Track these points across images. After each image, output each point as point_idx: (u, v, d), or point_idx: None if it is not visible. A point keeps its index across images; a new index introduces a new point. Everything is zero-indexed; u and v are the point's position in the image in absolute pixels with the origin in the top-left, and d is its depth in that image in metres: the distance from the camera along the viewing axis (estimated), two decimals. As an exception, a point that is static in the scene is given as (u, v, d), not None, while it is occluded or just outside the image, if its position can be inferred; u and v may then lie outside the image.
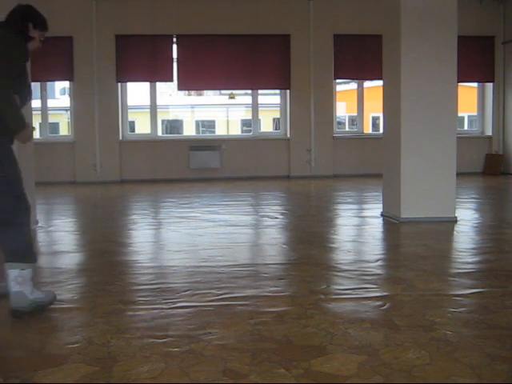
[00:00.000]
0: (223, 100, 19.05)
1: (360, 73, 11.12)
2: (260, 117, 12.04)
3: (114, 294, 3.40)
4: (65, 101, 13.99)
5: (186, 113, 21.15)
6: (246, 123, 16.28)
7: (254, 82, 10.98)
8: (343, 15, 10.79)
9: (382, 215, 6.21)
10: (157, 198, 8.46)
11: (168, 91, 16.79)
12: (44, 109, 10.66)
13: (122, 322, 2.93)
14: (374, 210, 6.52)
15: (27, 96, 3.22)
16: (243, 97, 16.29)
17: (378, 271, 3.95)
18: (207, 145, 10.83)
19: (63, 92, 17.87)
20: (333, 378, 2.22)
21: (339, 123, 15.48)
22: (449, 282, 3.63)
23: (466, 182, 9.35)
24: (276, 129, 13.50)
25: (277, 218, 6.34)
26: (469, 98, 12.78)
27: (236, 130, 18.93)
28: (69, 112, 11.06)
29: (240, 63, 10.79)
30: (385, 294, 3.35)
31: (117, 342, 2.61)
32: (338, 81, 11.56)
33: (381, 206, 6.35)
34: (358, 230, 5.83)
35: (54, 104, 14.95)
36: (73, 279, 3.83)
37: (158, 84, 11.32)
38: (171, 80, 10.84)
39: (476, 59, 11.05)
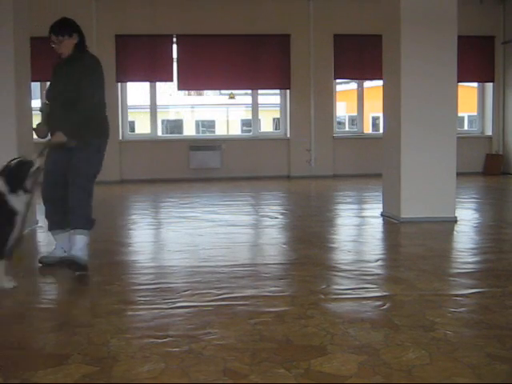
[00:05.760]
0: (223, 100, 19.03)
1: (360, 73, 11.12)
2: (260, 117, 12.04)
3: (114, 294, 3.40)
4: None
5: (186, 113, 21.14)
6: (246, 123, 16.27)
7: (254, 81, 10.98)
8: (343, 15, 10.78)
9: (381, 215, 6.21)
10: (157, 198, 8.46)
11: (168, 91, 16.78)
12: (44, 109, 10.65)
13: (122, 322, 2.93)
14: (374, 210, 6.52)
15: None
16: (243, 97, 16.28)
17: (378, 271, 3.95)
18: (207, 145, 10.83)
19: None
20: (333, 378, 2.22)
21: (339, 123, 15.47)
22: (449, 282, 3.63)
23: (466, 181, 9.34)
24: (276, 129, 13.50)
25: (277, 217, 6.34)
26: (469, 98, 12.77)
27: (236, 130, 18.92)
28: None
29: (240, 63, 10.79)
30: (385, 293, 3.35)
31: (117, 342, 2.60)
32: (338, 81, 11.56)
33: (381, 206, 6.35)
34: (358, 230, 5.83)
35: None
36: (73, 279, 3.83)
37: (158, 84, 11.32)
38: (171, 80, 10.84)
39: (476, 59, 11.05)
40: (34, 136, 4.27)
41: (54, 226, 4.17)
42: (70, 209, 3.94)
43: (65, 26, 4.09)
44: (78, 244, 3.90)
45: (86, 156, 3.95)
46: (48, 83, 4.28)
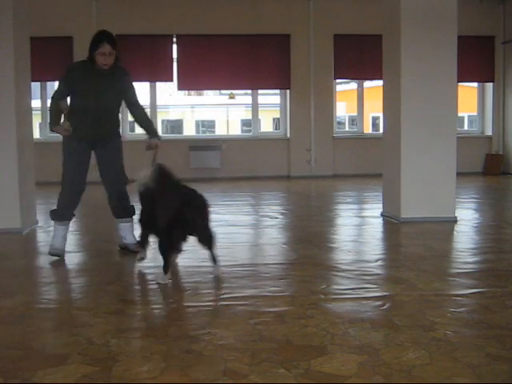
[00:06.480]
0: (223, 100, 19.05)
1: (360, 73, 11.12)
2: (260, 117, 12.04)
3: (113, 294, 3.40)
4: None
5: (186, 113, 21.15)
6: (246, 123, 16.28)
7: (254, 81, 10.98)
8: (343, 15, 10.79)
9: (381, 215, 6.21)
10: (157, 198, 8.44)
11: (168, 91, 16.79)
12: (44, 109, 10.66)
13: (122, 321, 2.93)
14: (374, 210, 6.52)
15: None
16: (243, 97, 16.29)
17: (378, 271, 3.95)
18: (207, 145, 10.83)
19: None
20: (333, 377, 2.22)
21: (339, 123, 15.48)
22: (449, 282, 3.63)
23: (466, 181, 9.34)
24: (276, 129, 13.51)
25: (277, 217, 6.34)
26: (469, 98, 12.78)
27: (236, 130, 18.93)
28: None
29: (240, 63, 10.79)
30: (385, 293, 3.35)
31: (117, 342, 2.60)
32: (338, 81, 11.56)
33: (381, 206, 6.35)
34: (358, 230, 5.83)
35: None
36: (73, 279, 3.83)
37: (158, 84, 11.32)
38: (171, 80, 10.84)
39: (476, 59, 11.05)
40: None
41: (69, 217, 4.55)
42: (121, 199, 4.65)
43: (115, 39, 4.28)
44: (132, 230, 4.66)
45: (120, 151, 4.67)
46: (54, 83, 4.64)
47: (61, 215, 4.50)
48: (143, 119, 4.64)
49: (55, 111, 4.37)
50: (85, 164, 4.45)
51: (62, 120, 4.39)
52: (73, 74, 4.35)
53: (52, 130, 4.43)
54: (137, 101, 4.58)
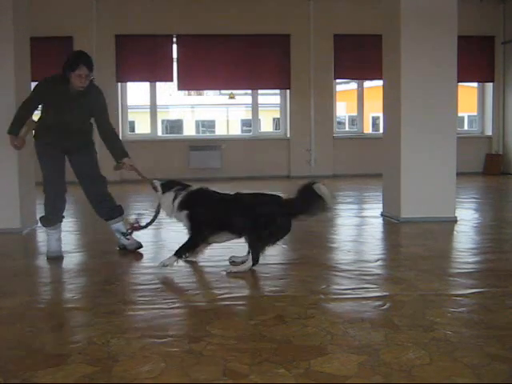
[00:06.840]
0: (223, 100, 19.05)
1: (360, 73, 11.13)
2: (260, 117, 12.05)
3: (113, 294, 3.40)
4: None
5: (186, 113, 21.13)
6: (246, 123, 16.28)
7: (254, 81, 10.98)
8: (343, 15, 10.79)
9: (381, 215, 6.21)
10: (157, 198, 8.43)
11: (168, 91, 16.78)
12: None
13: (122, 322, 2.93)
14: (374, 210, 6.52)
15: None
16: (243, 97, 16.29)
17: (378, 271, 3.95)
18: (207, 145, 10.83)
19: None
20: (333, 377, 2.22)
21: (339, 123, 15.48)
22: (449, 282, 3.63)
23: (466, 181, 9.34)
24: (276, 129, 13.50)
25: (277, 217, 6.33)
26: (469, 98, 12.78)
27: (236, 130, 18.92)
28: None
29: (240, 63, 10.79)
30: (385, 293, 3.35)
31: (117, 341, 2.61)
32: (338, 81, 11.57)
33: (381, 206, 6.35)
34: (358, 229, 5.83)
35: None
36: (73, 279, 3.83)
37: (158, 84, 11.33)
38: (171, 80, 10.85)
39: (476, 59, 11.06)
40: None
41: (59, 220, 4.56)
42: (102, 201, 4.62)
43: (92, 62, 4.28)
44: (123, 229, 4.66)
45: (95, 156, 4.66)
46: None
47: (50, 220, 4.51)
48: (111, 138, 4.54)
49: (20, 120, 4.35)
50: (63, 166, 4.46)
51: (22, 131, 4.39)
52: (47, 89, 4.34)
53: (8, 133, 4.38)
54: (107, 120, 4.54)
